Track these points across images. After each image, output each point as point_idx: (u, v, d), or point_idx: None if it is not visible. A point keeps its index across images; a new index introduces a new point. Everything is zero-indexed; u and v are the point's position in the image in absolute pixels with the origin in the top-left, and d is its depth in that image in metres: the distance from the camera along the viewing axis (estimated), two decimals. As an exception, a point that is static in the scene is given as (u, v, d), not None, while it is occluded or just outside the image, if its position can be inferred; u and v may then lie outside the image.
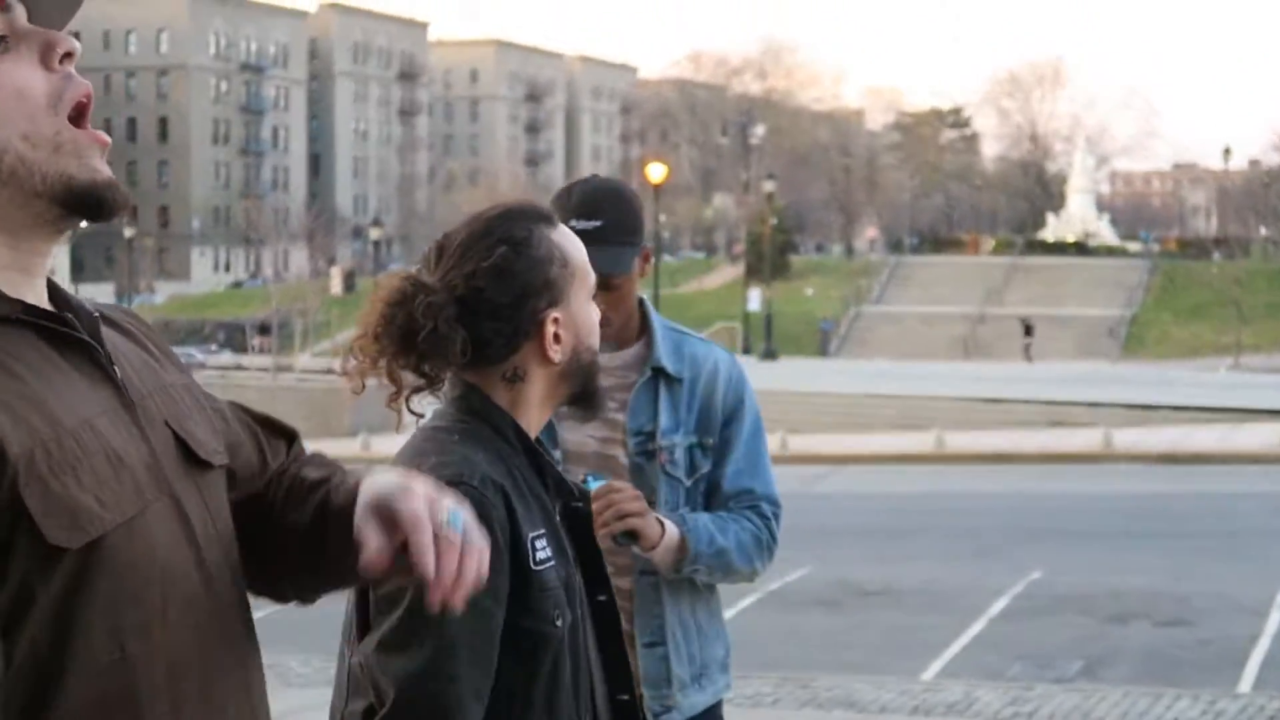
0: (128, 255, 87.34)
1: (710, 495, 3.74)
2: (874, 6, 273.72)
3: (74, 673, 1.61)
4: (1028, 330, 57.59)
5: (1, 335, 1.66)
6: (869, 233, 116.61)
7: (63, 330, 1.71)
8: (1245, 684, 12.22)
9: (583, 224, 3.52)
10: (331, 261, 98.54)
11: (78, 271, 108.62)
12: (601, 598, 2.64)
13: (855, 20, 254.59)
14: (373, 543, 1.78)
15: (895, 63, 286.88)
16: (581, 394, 2.66)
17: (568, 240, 2.63)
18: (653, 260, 4.40)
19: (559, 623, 2.50)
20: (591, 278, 2.67)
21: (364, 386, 2.58)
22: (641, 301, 3.92)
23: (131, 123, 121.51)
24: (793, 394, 36.52)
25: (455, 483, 2.34)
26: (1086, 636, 13.94)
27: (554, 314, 2.53)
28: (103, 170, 1.73)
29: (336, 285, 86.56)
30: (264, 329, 63.66)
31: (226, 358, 58.82)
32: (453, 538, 1.79)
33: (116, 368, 1.76)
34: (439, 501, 1.82)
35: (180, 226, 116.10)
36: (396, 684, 2.37)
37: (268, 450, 2.07)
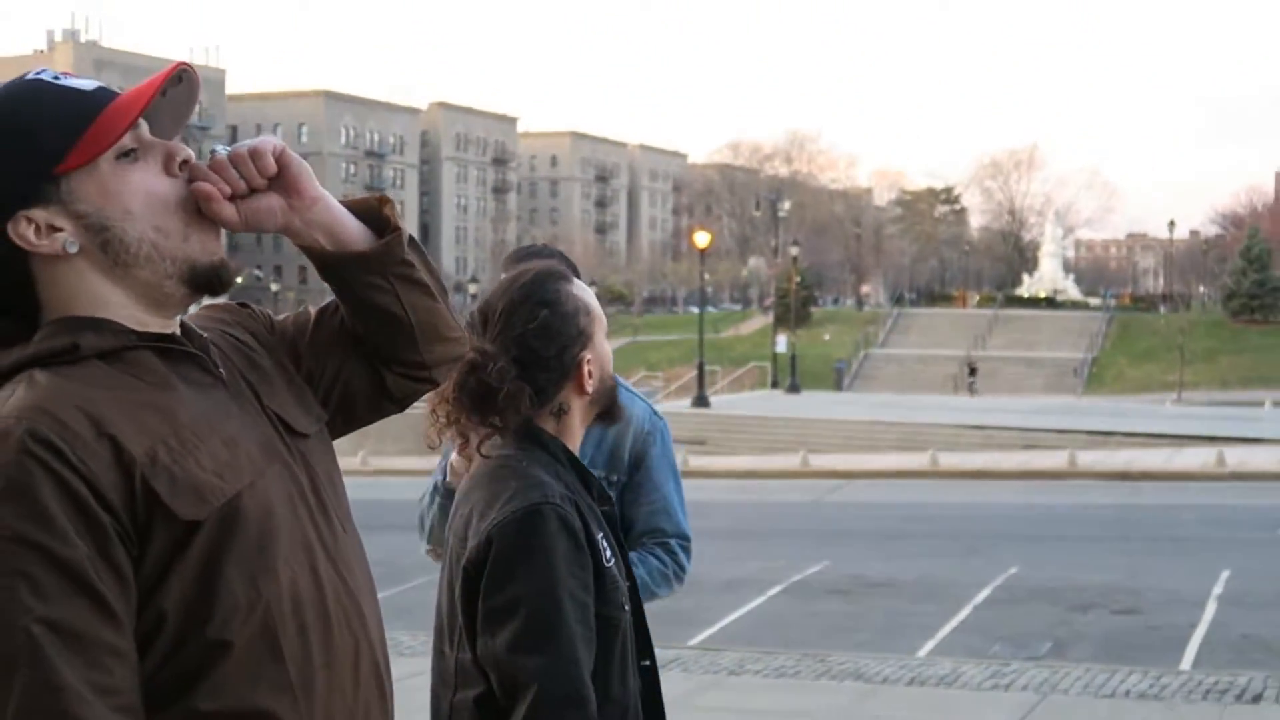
0: (273, 305, 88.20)
1: (627, 532, 3.64)
2: (881, 102, 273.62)
3: (221, 614, 1.70)
4: (972, 371, 57.35)
5: (127, 359, 1.77)
6: (875, 289, 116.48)
7: (174, 347, 1.82)
8: (1186, 662, 12.11)
9: None
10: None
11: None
12: (628, 583, 2.64)
13: (866, 113, 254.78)
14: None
15: (899, 148, 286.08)
16: (607, 410, 2.71)
17: (585, 291, 2.65)
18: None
19: (625, 608, 2.54)
20: (603, 317, 2.68)
21: (440, 442, 2.70)
22: None
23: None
24: (812, 420, 36.48)
25: (542, 502, 2.43)
26: (1055, 622, 13.84)
27: (586, 355, 2.57)
28: (218, 253, 1.84)
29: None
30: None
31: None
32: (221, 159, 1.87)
33: (223, 369, 1.86)
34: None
35: (316, 282, 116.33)
36: (539, 678, 2.39)
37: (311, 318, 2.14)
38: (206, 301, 2.00)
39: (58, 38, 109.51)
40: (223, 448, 1.76)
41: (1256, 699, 10.64)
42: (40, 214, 1.72)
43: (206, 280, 1.83)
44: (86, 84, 1.78)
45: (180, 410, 1.75)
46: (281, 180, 1.89)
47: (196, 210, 1.80)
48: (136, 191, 1.76)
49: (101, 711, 1.58)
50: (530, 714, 2.39)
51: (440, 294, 2.04)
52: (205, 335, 1.91)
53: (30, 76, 1.79)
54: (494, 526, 2.43)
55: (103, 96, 1.76)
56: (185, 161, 1.80)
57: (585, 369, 2.57)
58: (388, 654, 1.98)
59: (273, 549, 1.77)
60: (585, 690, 2.41)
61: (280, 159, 1.88)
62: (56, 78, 1.78)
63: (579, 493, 2.55)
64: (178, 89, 1.82)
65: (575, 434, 2.63)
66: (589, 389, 2.59)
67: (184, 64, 1.81)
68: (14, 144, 1.72)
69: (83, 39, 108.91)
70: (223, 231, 1.86)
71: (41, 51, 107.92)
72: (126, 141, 1.75)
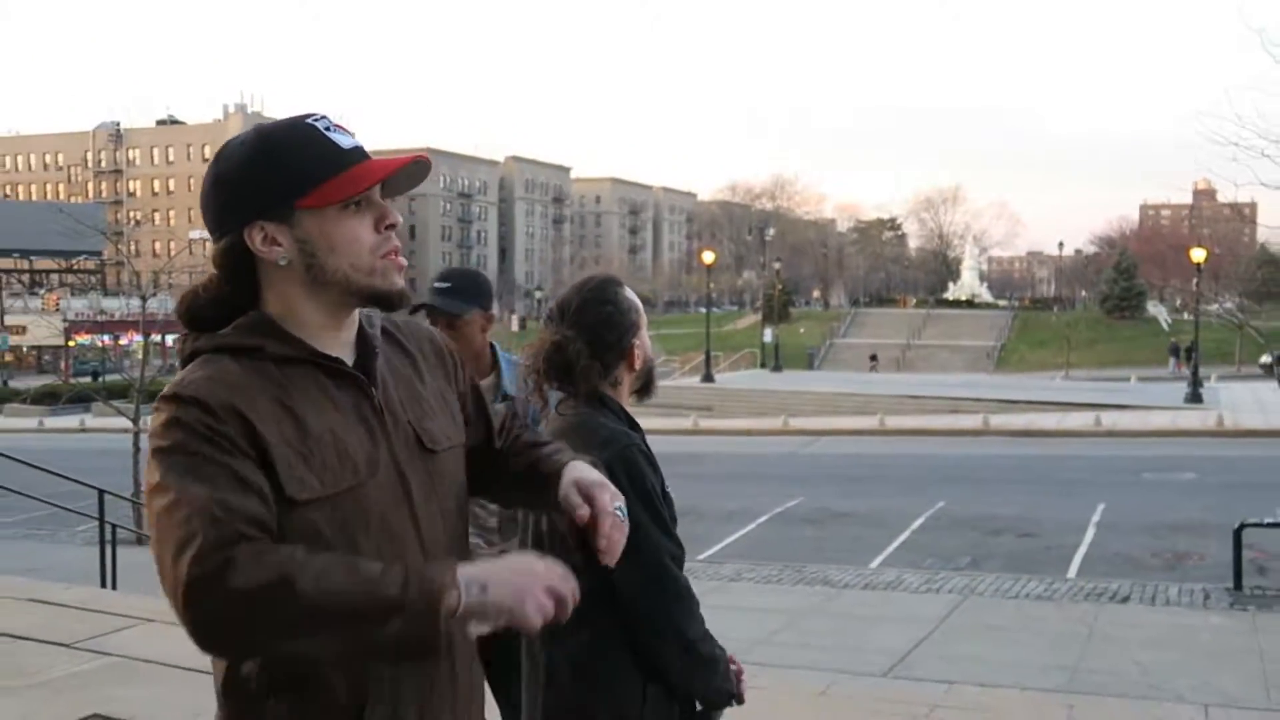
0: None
1: None
2: (844, 151, 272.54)
3: None
4: (873, 358, 57.00)
5: (294, 370, 1.71)
6: (838, 294, 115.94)
7: (337, 368, 1.75)
8: (1072, 572, 12.06)
9: (440, 284, 3.70)
10: (512, 311, 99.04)
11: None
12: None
13: (832, 159, 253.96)
14: (581, 510, 1.80)
15: (856, 188, 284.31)
16: (645, 385, 2.65)
17: (632, 294, 2.63)
18: (495, 320, 3.94)
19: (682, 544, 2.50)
20: (644, 314, 2.64)
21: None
22: (492, 346, 3.78)
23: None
24: (791, 392, 36.43)
25: (629, 444, 2.42)
26: (973, 543, 13.80)
27: (636, 341, 2.57)
28: (398, 284, 1.77)
29: (515, 325, 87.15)
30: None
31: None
32: (622, 523, 1.83)
33: (376, 388, 1.77)
34: (615, 495, 1.85)
35: (422, 290, 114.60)
36: (680, 634, 2.38)
37: (492, 421, 2.04)
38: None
39: (231, 109, 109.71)
40: (334, 456, 1.67)
41: (1125, 600, 10.59)
42: (271, 228, 1.68)
43: (381, 298, 1.76)
44: (346, 141, 1.72)
45: (313, 422, 1.67)
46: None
47: (386, 254, 1.74)
48: (346, 236, 1.70)
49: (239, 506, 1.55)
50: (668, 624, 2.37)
51: None
52: (378, 349, 1.81)
53: (308, 120, 1.73)
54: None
55: (354, 156, 1.71)
56: (392, 225, 1.75)
57: (636, 352, 2.56)
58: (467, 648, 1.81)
59: (367, 545, 1.66)
60: (702, 624, 2.43)
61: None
62: (328, 128, 1.72)
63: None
64: (414, 169, 1.77)
65: (626, 399, 2.60)
66: (637, 367, 2.58)
67: (423, 155, 1.78)
68: (274, 169, 1.68)
69: (249, 110, 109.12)
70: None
71: (219, 120, 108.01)
72: (355, 196, 1.71)
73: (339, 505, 1.65)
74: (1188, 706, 7.34)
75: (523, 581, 1.59)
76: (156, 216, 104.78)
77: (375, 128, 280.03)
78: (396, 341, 1.88)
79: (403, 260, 1.77)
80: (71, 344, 59.30)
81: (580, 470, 1.87)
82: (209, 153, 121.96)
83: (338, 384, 1.74)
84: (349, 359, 1.77)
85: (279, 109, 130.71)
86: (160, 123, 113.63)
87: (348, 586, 1.50)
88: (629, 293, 2.61)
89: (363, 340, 1.80)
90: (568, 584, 1.61)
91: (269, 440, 1.62)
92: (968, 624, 9.70)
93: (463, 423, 1.93)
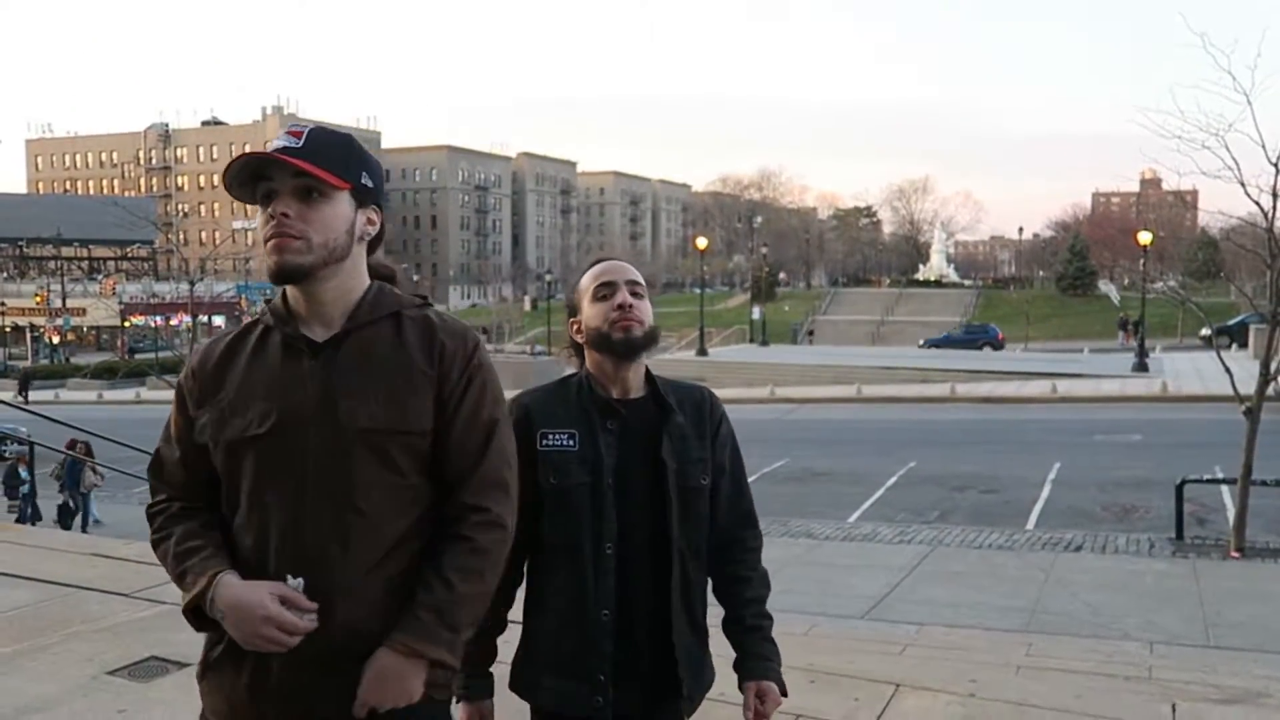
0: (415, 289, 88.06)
1: None
2: (824, 146, 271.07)
3: (229, 508, 1.86)
4: (810, 333, 57.25)
5: (270, 336, 1.88)
6: (819, 276, 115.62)
7: (292, 336, 1.85)
8: (1030, 524, 12.10)
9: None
10: (524, 293, 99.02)
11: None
12: None
13: (814, 153, 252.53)
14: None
15: (835, 179, 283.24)
16: (597, 347, 2.24)
17: (586, 277, 2.27)
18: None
19: None
20: (584, 293, 2.25)
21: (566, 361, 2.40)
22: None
23: (417, 219, 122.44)
24: (777, 364, 36.41)
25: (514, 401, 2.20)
26: (941, 498, 13.83)
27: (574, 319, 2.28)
28: (270, 262, 1.82)
29: (527, 305, 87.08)
30: (486, 330, 63.91)
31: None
32: None
33: (338, 360, 1.83)
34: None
35: (443, 274, 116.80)
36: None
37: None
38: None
39: (269, 111, 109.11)
40: (257, 414, 1.80)
41: (1078, 549, 10.62)
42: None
43: (271, 279, 1.86)
44: (273, 144, 1.89)
45: (247, 382, 1.84)
46: None
47: (268, 239, 1.82)
48: (260, 227, 1.86)
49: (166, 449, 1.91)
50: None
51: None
52: (352, 331, 1.84)
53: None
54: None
55: (250, 159, 1.87)
56: (273, 214, 1.83)
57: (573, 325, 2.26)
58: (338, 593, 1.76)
59: (261, 487, 1.80)
60: None
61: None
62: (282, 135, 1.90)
63: None
64: (248, 164, 1.85)
65: (591, 362, 2.28)
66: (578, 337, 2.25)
67: (244, 154, 1.84)
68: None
69: (285, 111, 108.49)
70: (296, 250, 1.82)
71: (258, 121, 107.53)
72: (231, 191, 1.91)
73: (235, 451, 1.81)
74: (1134, 643, 7.38)
75: (246, 625, 1.71)
76: (202, 209, 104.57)
77: (400, 128, 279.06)
78: (395, 329, 1.87)
79: (285, 241, 1.80)
80: (127, 324, 59.29)
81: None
82: (250, 150, 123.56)
83: (288, 349, 1.85)
84: (323, 336, 1.85)
85: (313, 111, 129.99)
86: (205, 123, 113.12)
87: (168, 568, 1.85)
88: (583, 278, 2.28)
89: (353, 320, 1.87)
90: (294, 617, 1.71)
91: (206, 396, 1.85)
92: (936, 571, 9.74)
93: (427, 414, 1.81)
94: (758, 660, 2.12)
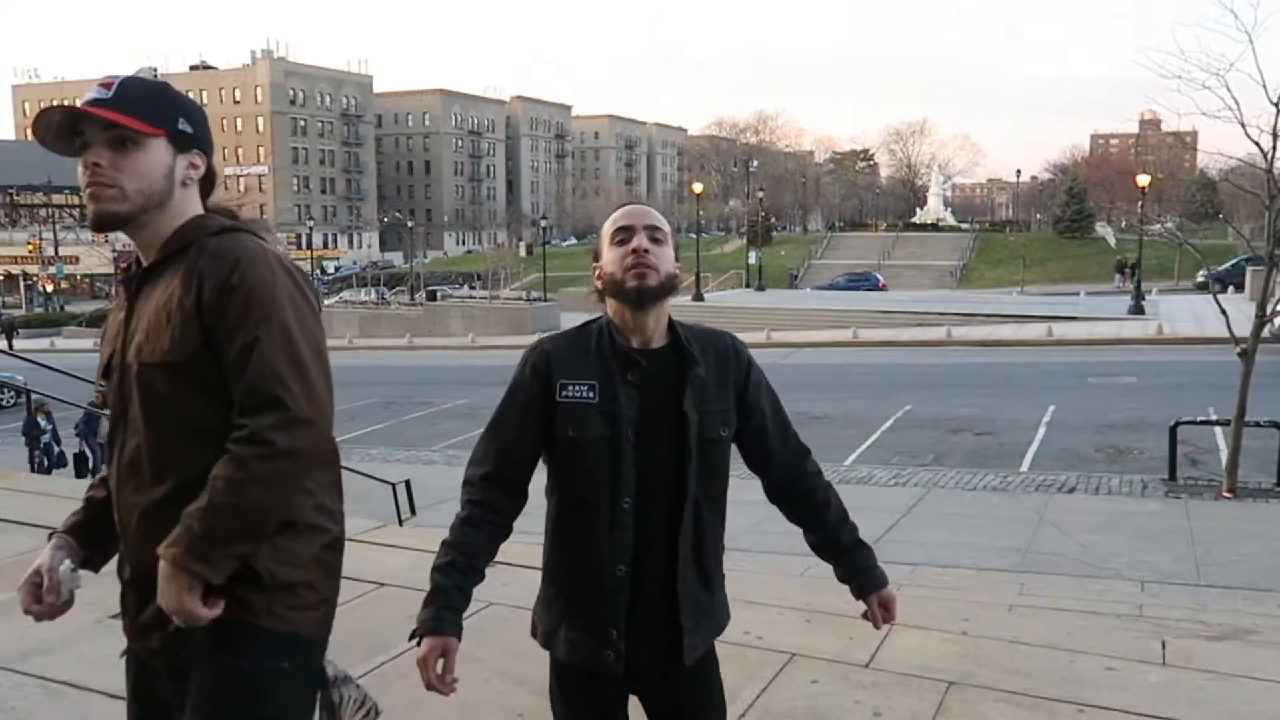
0: (409, 236, 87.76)
1: None
2: (822, 87, 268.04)
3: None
4: (794, 276, 57.27)
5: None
6: (815, 220, 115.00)
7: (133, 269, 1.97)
8: (1024, 466, 12.19)
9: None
10: (520, 239, 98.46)
11: (383, 245, 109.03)
12: None
13: (811, 95, 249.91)
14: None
15: (833, 121, 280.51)
16: (612, 294, 2.13)
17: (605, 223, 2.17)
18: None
19: None
20: (604, 238, 2.13)
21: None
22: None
23: (410, 164, 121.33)
24: (773, 309, 36.37)
25: (531, 346, 2.16)
26: (936, 441, 13.91)
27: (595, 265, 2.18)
28: (91, 209, 1.88)
29: (522, 251, 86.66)
30: (481, 277, 63.65)
31: (464, 291, 58.66)
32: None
33: (141, 292, 1.92)
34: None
35: (438, 220, 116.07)
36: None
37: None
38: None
39: (258, 55, 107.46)
40: (105, 356, 1.95)
41: (1071, 490, 10.72)
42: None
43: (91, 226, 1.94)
44: (87, 95, 1.94)
45: (111, 325, 1.97)
46: None
47: (85, 186, 1.86)
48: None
49: None
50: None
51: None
52: (164, 262, 1.89)
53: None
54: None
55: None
56: (91, 164, 1.86)
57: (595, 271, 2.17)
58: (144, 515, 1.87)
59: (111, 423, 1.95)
60: None
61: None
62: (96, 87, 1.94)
63: None
64: (50, 117, 1.90)
65: (611, 309, 2.18)
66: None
67: (47, 108, 1.90)
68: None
69: (275, 55, 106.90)
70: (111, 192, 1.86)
71: (247, 65, 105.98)
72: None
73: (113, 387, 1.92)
74: (1125, 582, 7.48)
75: None
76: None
77: (392, 70, 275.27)
78: (181, 261, 1.87)
79: (99, 190, 1.85)
80: (120, 272, 59.05)
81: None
82: (239, 95, 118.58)
83: (124, 294, 1.97)
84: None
85: (303, 55, 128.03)
86: (193, 68, 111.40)
87: None
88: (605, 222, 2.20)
89: (159, 254, 1.92)
90: (25, 595, 1.99)
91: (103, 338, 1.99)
92: (931, 513, 9.83)
93: (189, 342, 1.80)
94: (870, 573, 2.23)
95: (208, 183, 1.96)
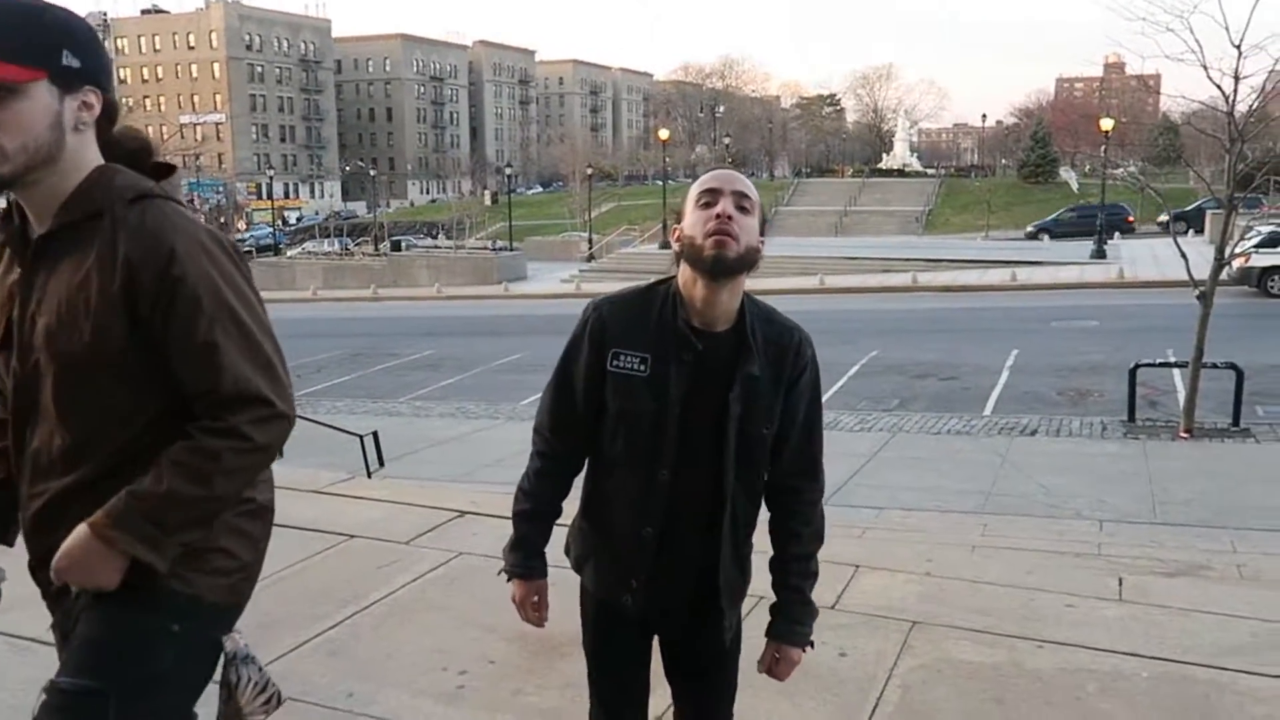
0: (372, 185, 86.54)
1: None
2: (788, 30, 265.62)
3: None
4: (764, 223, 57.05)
5: None
6: (782, 165, 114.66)
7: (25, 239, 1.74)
8: (988, 410, 12.34)
9: None
10: (485, 187, 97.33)
11: (345, 194, 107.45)
12: None
13: (777, 38, 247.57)
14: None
15: (799, 66, 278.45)
16: (689, 260, 2.05)
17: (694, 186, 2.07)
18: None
19: None
20: (690, 199, 2.05)
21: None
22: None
23: (371, 111, 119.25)
24: (741, 256, 36.35)
25: (587, 306, 2.14)
26: (901, 386, 14.05)
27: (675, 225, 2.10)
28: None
29: (487, 200, 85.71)
30: (445, 227, 62.94)
31: (429, 242, 58.06)
32: None
33: (41, 260, 1.71)
34: None
35: (401, 169, 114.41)
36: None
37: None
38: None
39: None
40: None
41: (1033, 433, 10.88)
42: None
43: None
44: None
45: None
46: None
47: None
48: None
49: None
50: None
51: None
52: (69, 228, 1.66)
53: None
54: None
55: None
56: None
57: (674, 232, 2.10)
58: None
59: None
60: None
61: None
62: None
63: None
64: None
65: (682, 277, 2.09)
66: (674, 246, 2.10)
67: None
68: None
69: (229, 0, 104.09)
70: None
71: (201, 10, 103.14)
72: None
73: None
74: (1084, 522, 7.64)
75: None
76: (147, 103, 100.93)
77: (351, 15, 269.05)
78: (93, 233, 1.65)
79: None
80: None
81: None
82: (194, 40, 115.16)
83: (11, 261, 1.76)
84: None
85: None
86: (145, 12, 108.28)
87: None
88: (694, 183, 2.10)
89: (58, 218, 1.68)
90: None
91: None
92: (896, 457, 9.95)
93: (112, 333, 1.64)
94: (789, 624, 2.12)
95: (107, 119, 1.70)
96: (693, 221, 1.98)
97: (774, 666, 2.14)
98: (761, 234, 2.04)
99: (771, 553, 2.17)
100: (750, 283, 2.07)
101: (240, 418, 1.67)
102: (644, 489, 2.02)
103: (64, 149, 1.63)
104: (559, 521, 2.18)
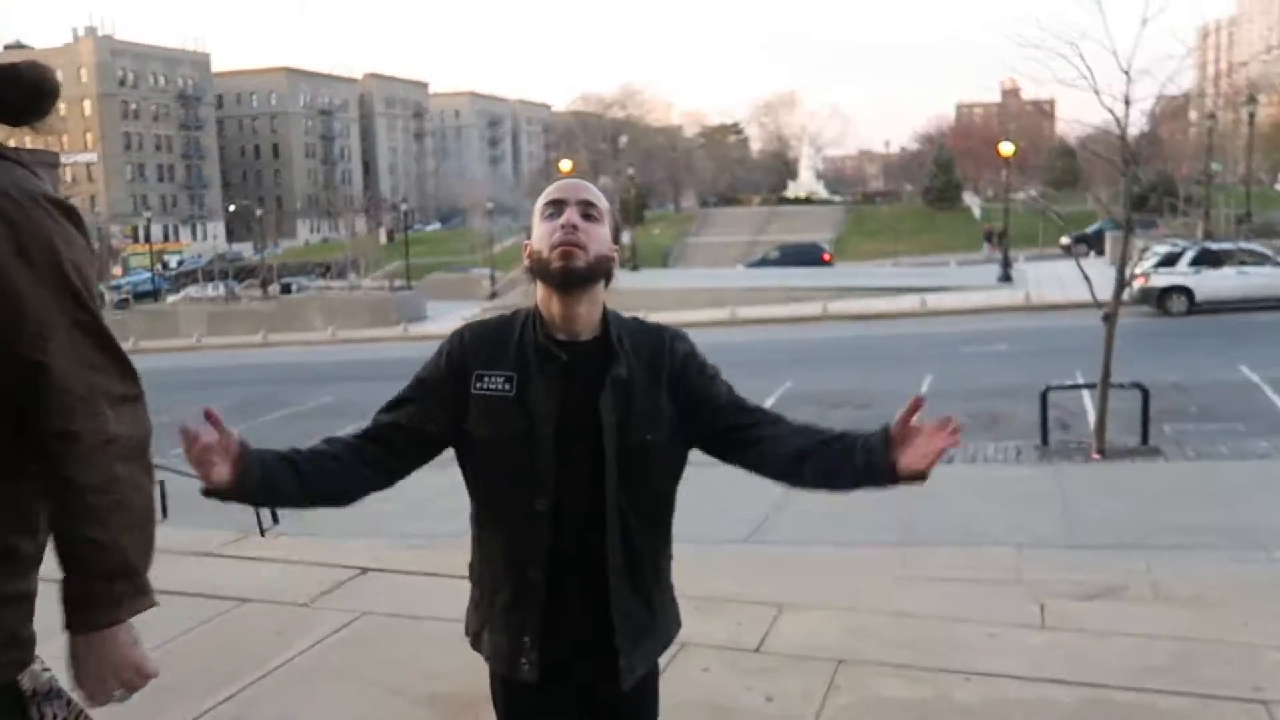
0: (259, 225, 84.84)
1: None
2: (688, 59, 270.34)
3: None
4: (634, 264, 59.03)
5: None
6: (688, 197, 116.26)
7: None
8: (903, 439, 12.59)
9: None
10: (379, 225, 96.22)
11: (230, 235, 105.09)
12: None
13: (678, 68, 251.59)
14: None
15: (701, 94, 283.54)
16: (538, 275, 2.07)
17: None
18: None
19: None
20: (535, 214, 2.03)
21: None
22: None
23: (256, 148, 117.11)
24: (648, 290, 36.48)
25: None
26: (817, 417, 14.03)
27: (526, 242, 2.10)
28: None
29: (382, 238, 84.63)
30: (336, 267, 61.97)
31: (321, 283, 57.00)
32: None
33: None
34: None
35: (289, 207, 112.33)
36: None
37: None
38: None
39: (80, 33, 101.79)
40: None
41: (950, 461, 11.07)
42: None
43: None
44: None
45: None
46: None
47: None
48: None
49: None
50: None
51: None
52: None
53: None
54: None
55: None
56: None
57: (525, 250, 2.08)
58: None
59: None
60: None
61: None
62: None
63: None
64: None
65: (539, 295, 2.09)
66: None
67: None
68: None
69: (99, 33, 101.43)
70: None
71: (69, 44, 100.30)
72: None
73: None
74: (1003, 548, 7.83)
75: None
76: (12, 142, 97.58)
77: (232, 49, 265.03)
78: None
79: None
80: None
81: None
82: (62, 76, 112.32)
83: None
84: None
85: (131, 31, 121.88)
86: (8, 47, 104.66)
87: None
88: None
89: None
90: None
91: None
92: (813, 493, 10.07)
93: None
94: (872, 442, 2.16)
95: None
96: (539, 235, 1.95)
97: (940, 433, 2.11)
98: (615, 242, 2.01)
99: (820, 469, 2.23)
100: (660, 315, 2.08)
101: (85, 423, 1.59)
102: (524, 524, 1.92)
103: None
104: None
